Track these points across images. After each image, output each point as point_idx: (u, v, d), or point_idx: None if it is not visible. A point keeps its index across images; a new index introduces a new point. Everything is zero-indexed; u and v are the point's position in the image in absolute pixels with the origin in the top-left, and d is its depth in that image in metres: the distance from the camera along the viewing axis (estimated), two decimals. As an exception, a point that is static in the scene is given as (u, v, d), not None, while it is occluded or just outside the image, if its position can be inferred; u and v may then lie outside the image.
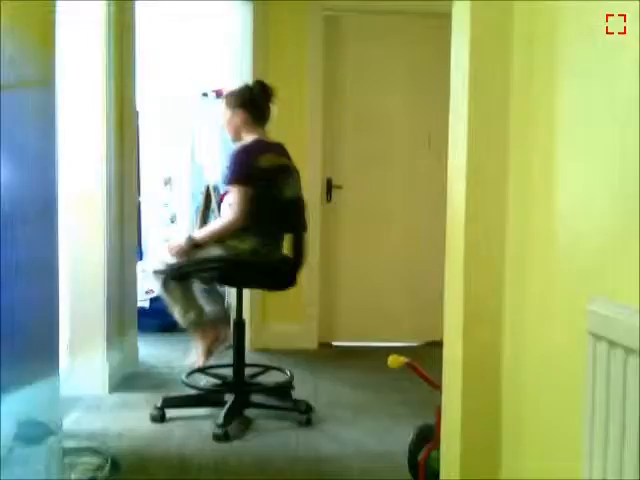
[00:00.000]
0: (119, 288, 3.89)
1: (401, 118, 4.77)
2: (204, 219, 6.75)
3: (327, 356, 4.55)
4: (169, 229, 7.22)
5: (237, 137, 3.41)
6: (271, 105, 3.44)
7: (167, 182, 7.22)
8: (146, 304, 5.06)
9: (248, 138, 3.35)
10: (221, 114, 3.46)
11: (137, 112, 4.56)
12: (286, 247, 3.42)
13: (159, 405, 3.29)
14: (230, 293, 4.92)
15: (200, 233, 3.39)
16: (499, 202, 1.91)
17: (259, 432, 3.21)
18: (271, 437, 3.15)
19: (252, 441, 3.10)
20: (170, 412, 3.31)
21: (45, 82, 2.55)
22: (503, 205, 1.91)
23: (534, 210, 1.76)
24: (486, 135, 1.93)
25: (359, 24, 4.76)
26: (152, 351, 4.51)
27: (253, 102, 3.38)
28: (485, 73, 1.92)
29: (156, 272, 3.30)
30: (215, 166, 7.22)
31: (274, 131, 4.66)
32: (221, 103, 3.50)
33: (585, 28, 1.52)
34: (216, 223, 3.44)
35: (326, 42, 4.66)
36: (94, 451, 2.76)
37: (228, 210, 3.26)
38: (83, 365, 3.59)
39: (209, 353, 3.38)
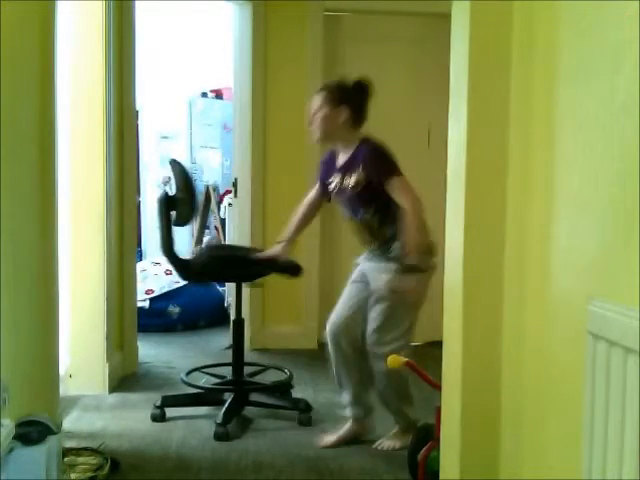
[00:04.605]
0: (119, 288, 3.89)
1: (400, 118, 4.77)
2: (204, 219, 6.76)
3: (327, 356, 4.53)
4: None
5: (329, 137, 3.08)
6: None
7: (166, 182, 7.22)
8: (146, 304, 5.07)
9: (350, 138, 3.02)
10: (315, 108, 3.04)
11: (137, 112, 4.57)
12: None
13: (158, 404, 3.30)
14: (230, 292, 4.94)
15: (413, 248, 2.88)
16: (498, 202, 1.91)
17: (259, 431, 3.22)
18: (271, 436, 3.15)
19: (252, 440, 3.10)
20: (170, 411, 3.31)
21: (45, 82, 2.55)
22: (502, 205, 1.91)
23: (533, 210, 1.76)
24: (485, 135, 1.93)
25: (359, 24, 4.76)
26: (152, 351, 4.51)
27: (359, 101, 3.05)
28: (485, 73, 1.92)
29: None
30: (213, 167, 7.24)
31: (274, 131, 4.68)
32: (318, 96, 3.06)
33: (585, 28, 1.52)
34: (410, 222, 2.90)
35: (326, 42, 4.65)
36: (94, 451, 2.76)
37: (405, 200, 2.89)
38: (83, 365, 3.59)
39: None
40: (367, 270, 3.07)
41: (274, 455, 2.94)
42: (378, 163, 2.95)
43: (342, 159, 3.07)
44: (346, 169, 3.02)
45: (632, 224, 1.28)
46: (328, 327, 3.10)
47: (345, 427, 3.11)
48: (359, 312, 3.04)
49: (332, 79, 3.57)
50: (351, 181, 2.99)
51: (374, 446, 3.04)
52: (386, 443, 3.05)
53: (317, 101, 3.05)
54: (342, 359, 3.07)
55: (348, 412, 3.10)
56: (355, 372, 3.06)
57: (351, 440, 3.08)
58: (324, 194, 3.21)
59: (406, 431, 2.98)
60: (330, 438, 3.08)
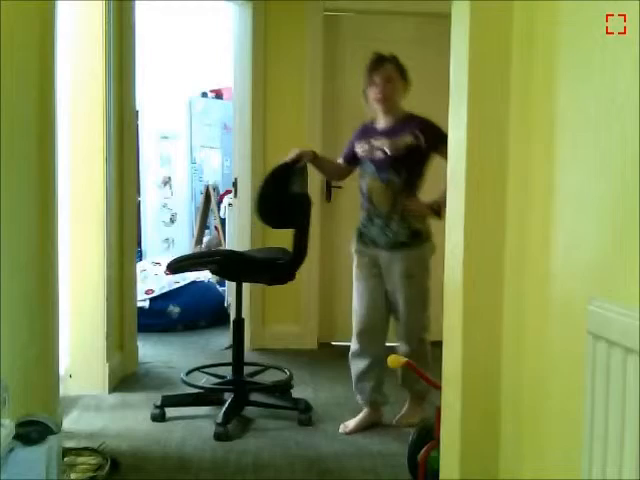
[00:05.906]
0: (119, 288, 3.89)
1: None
2: (204, 219, 6.77)
3: (327, 356, 4.54)
4: (169, 229, 7.24)
5: (391, 108, 3.20)
6: None
7: (166, 182, 7.23)
8: (146, 304, 5.07)
9: (399, 112, 3.22)
10: (389, 77, 3.16)
11: (137, 112, 4.57)
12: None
13: (158, 404, 3.30)
14: (230, 292, 4.94)
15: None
16: (499, 202, 1.91)
17: (259, 431, 3.21)
18: (271, 436, 3.15)
19: (252, 440, 3.10)
20: (170, 411, 3.31)
21: (45, 82, 2.55)
22: (502, 205, 1.91)
23: (533, 210, 1.77)
24: (485, 135, 1.93)
25: (359, 24, 4.76)
26: (152, 351, 4.51)
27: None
28: (485, 73, 1.92)
29: None
30: (213, 167, 7.24)
31: (274, 131, 4.67)
32: (389, 66, 3.16)
33: (585, 28, 1.52)
34: None
35: (326, 42, 4.65)
36: (94, 451, 2.76)
37: None
38: (83, 365, 3.59)
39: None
40: (378, 261, 3.21)
41: (274, 455, 2.94)
42: (437, 128, 3.12)
43: (384, 125, 3.22)
44: (391, 133, 3.18)
45: (632, 224, 1.28)
46: (363, 335, 3.25)
47: (362, 414, 3.27)
48: (384, 309, 3.24)
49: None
50: (396, 144, 3.14)
51: (394, 422, 3.28)
52: (405, 420, 3.26)
53: (389, 71, 3.17)
54: (373, 357, 3.23)
55: (367, 399, 3.26)
56: (379, 364, 3.19)
57: (369, 426, 3.24)
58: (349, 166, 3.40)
59: (418, 398, 3.27)
60: (349, 424, 3.23)
